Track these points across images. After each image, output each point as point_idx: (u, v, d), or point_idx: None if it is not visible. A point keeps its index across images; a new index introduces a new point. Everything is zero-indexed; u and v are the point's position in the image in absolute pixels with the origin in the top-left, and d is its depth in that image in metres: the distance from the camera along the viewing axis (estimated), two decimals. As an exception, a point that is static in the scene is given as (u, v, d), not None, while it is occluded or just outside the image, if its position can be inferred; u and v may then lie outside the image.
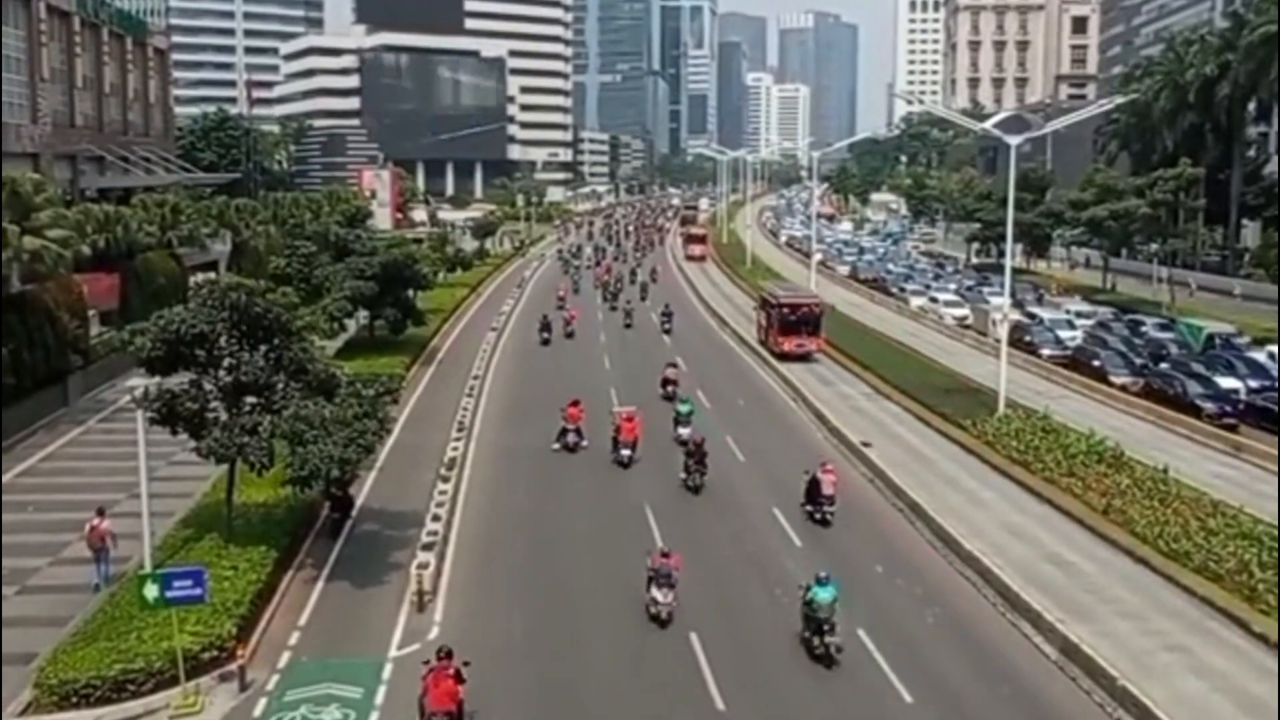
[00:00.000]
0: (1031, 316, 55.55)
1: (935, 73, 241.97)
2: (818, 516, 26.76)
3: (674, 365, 43.13)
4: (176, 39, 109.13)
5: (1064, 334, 51.31)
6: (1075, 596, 21.66)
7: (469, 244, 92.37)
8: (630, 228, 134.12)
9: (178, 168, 79.66)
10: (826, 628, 19.11)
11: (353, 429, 22.74)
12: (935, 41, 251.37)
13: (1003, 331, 39.01)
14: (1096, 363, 44.44)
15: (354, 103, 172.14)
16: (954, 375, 43.94)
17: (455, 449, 31.50)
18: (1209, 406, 37.24)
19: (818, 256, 77.71)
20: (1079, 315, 57.24)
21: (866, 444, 33.08)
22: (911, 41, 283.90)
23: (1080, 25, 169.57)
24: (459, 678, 16.29)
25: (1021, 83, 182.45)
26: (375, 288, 46.10)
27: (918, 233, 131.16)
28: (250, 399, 22.91)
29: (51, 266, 37.69)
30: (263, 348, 23.23)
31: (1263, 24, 71.49)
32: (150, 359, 22.52)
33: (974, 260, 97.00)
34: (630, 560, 22.90)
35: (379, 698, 17.84)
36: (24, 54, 58.59)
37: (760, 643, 20.26)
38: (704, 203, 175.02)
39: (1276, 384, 38.16)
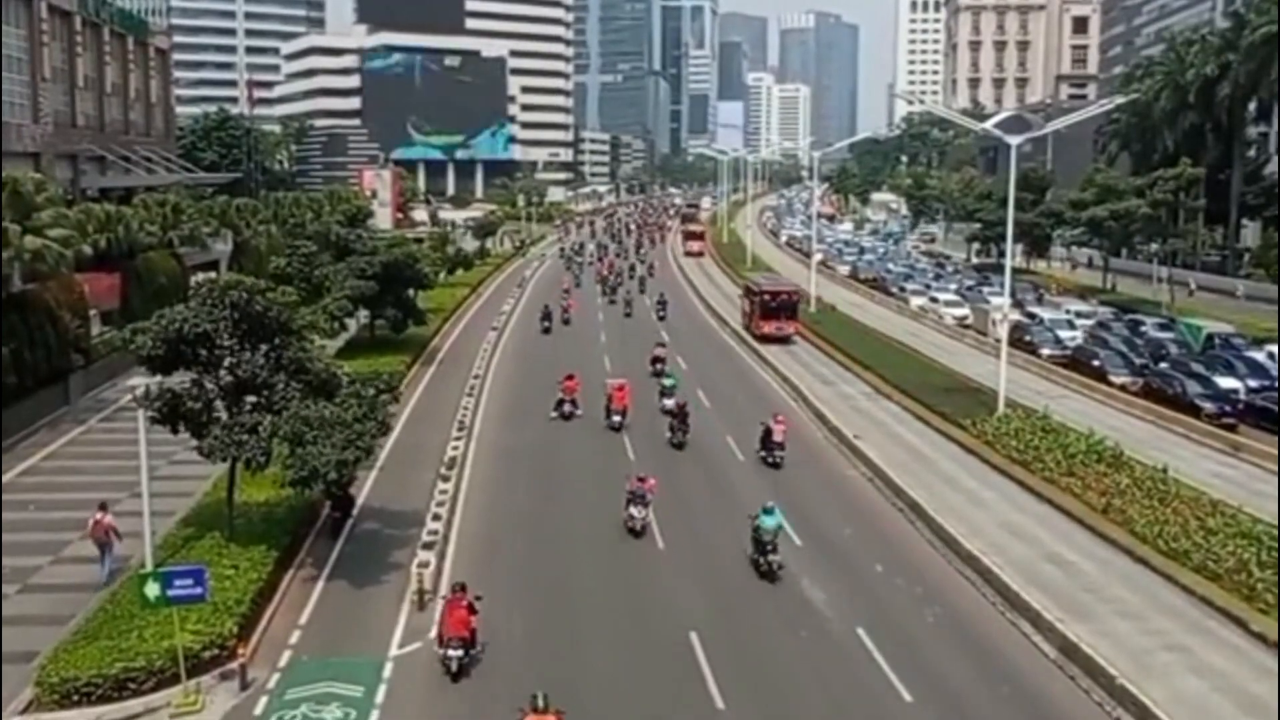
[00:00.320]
0: (1031, 316, 55.57)
1: (936, 73, 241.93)
2: (769, 460, 31.39)
3: (662, 345, 47.12)
4: (178, 39, 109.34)
5: (1064, 334, 51.34)
6: (1075, 596, 21.67)
7: (470, 244, 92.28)
8: (632, 225, 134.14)
9: (179, 167, 79.73)
10: (770, 549, 22.67)
11: (352, 430, 22.70)
12: (936, 42, 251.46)
13: (1003, 331, 39.08)
14: (1096, 362, 44.46)
15: (355, 103, 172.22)
16: (954, 375, 43.99)
17: (455, 448, 31.54)
18: (1208, 406, 37.26)
19: (818, 256, 77.74)
20: (1079, 315, 57.28)
21: (858, 436, 33.93)
22: (912, 42, 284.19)
23: (1081, 25, 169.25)
24: (471, 609, 18.72)
25: (1022, 83, 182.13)
26: (376, 287, 46.14)
27: (918, 233, 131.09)
28: (251, 398, 22.93)
29: (53, 266, 37.73)
30: (263, 346, 23.25)
31: (1263, 24, 71.46)
32: (151, 358, 22.54)
33: (974, 260, 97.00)
34: (631, 560, 23.07)
35: (379, 696, 17.85)
36: (25, 53, 58.70)
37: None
38: (706, 202, 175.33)
39: (1276, 384, 38.20)
